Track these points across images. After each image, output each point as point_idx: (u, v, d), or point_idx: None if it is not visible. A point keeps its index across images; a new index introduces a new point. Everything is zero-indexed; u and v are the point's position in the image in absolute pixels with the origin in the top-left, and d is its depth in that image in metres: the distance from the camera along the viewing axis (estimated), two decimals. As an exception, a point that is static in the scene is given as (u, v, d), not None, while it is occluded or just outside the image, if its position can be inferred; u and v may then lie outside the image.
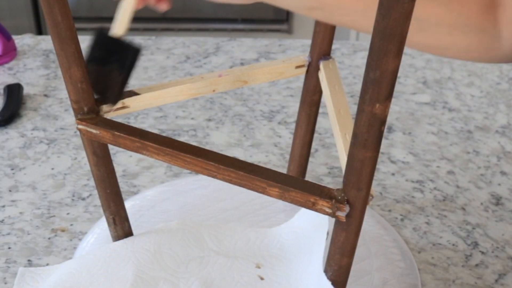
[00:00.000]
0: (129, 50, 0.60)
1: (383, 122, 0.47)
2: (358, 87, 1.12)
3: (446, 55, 0.64)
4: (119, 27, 0.60)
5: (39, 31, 2.25)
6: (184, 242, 0.69)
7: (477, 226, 0.81)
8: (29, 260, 0.74)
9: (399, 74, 1.17)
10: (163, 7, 0.64)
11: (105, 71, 0.60)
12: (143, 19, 2.05)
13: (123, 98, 0.64)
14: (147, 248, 0.67)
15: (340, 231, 0.54)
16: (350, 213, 0.52)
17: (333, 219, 0.54)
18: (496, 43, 0.60)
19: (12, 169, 0.90)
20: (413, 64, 1.24)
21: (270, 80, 0.71)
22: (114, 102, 0.62)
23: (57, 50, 0.57)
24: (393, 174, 0.91)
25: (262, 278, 0.66)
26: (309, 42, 0.75)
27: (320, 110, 0.76)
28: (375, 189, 0.87)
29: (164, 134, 0.95)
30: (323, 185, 0.54)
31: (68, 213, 0.82)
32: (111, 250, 0.67)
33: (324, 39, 0.71)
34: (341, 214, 0.52)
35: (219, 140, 0.98)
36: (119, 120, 0.66)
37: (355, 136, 0.49)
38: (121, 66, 0.60)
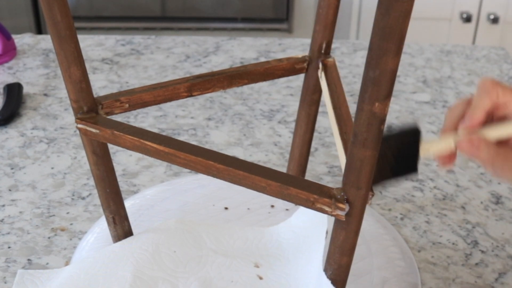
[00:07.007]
0: (410, 167, 0.58)
1: (382, 121, 0.47)
2: (357, 86, 1.12)
3: None
4: (426, 151, 0.58)
5: (39, 30, 2.25)
6: (183, 241, 0.69)
7: (477, 225, 0.81)
8: (29, 260, 0.74)
9: (398, 73, 1.17)
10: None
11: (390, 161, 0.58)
12: (143, 19, 2.06)
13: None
14: (145, 248, 0.67)
15: (340, 230, 0.54)
16: (349, 212, 0.52)
17: (333, 218, 0.54)
18: None
19: (12, 169, 0.90)
20: (413, 63, 1.24)
21: (270, 79, 0.71)
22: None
23: (57, 50, 0.57)
24: (393, 173, 0.91)
25: (261, 278, 0.66)
26: (308, 41, 0.75)
27: (320, 109, 0.75)
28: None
29: (164, 133, 0.94)
30: (322, 184, 0.54)
31: (68, 213, 0.82)
32: (109, 251, 0.67)
33: (324, 38, 0.71)
34: (341, 213, 0.52)
35: (219, 139, 0.98)
36: (119, 119, 0.66)
37: (354, 135, 0.49)
38: (401, 168, 0.58)
